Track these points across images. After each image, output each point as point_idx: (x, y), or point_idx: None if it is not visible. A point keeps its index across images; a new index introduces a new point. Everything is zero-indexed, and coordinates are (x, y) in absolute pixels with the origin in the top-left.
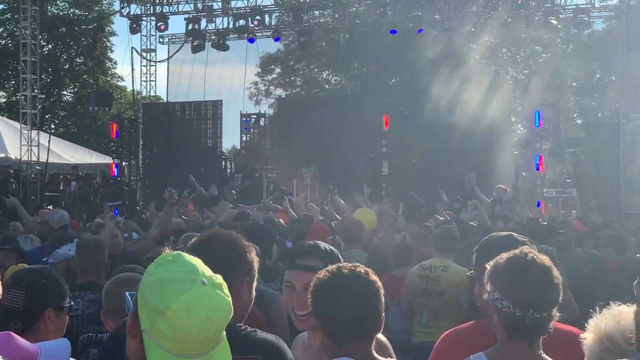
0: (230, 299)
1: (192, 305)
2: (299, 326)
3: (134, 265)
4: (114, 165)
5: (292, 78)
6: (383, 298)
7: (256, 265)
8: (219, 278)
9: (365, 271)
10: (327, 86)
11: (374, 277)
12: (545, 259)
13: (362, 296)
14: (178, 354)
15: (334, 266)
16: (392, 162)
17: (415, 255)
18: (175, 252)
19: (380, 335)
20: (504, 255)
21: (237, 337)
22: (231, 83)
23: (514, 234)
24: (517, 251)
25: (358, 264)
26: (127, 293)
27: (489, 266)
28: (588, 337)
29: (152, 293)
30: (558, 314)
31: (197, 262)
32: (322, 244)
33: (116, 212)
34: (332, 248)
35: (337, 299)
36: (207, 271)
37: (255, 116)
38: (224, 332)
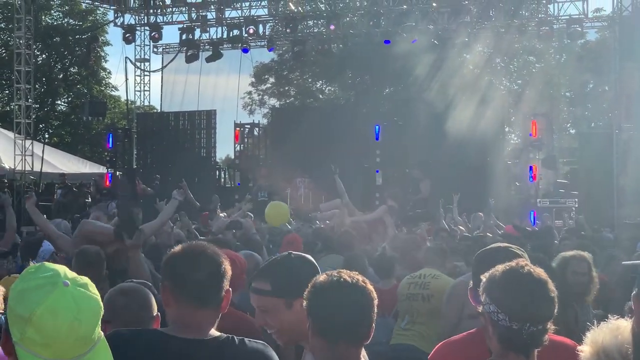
0: (98, 297)
1: (56, 306)
2: (277, 341)
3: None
4: (107, 175)
5: (286, 88)
6: (376, 309)
7: (229, 275)
8: (83, 278)
9: (363, 280)
10: (320, 96)
11: (371, 288)
12: (540, 272)
13: (358, 302)
14: (54, 359)
15: (334, 271)
16: (386, 172)
17: (396, 266)
18: (39, 263)
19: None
20: (499, 268)
21: (226, 347)
22: (225, 93)
23: (510, 245)
24: (512, 263)
25: (357, 273)
26: (1, 313)
27: (484, 278)
28: (585, 351)
29: (17, 303)
30: (553, 327)
31: (60, 267)
32: (278, 263)
33: None
34: (293, 266)
35: (335, 301)
36: (70, 273)
37: (249, 126)
38: (100, 333)
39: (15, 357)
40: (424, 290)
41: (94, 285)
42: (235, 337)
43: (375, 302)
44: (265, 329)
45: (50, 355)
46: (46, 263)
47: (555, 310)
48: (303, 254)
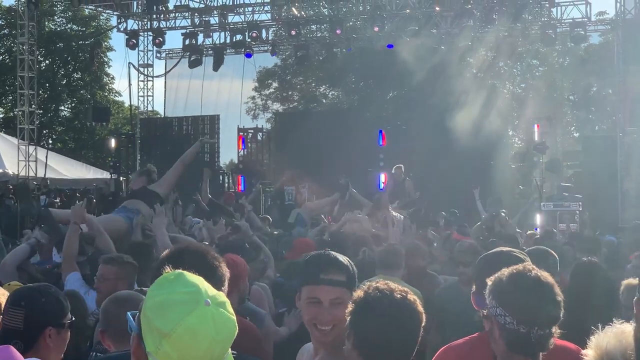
0: (234, 317)
1: (197, 326)
2: (319, 339)
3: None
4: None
5: (289, 92)
6: (422, 330)
7: (227, 278)
8: (222, 296)
9: (414, 299)
10: (324, 100)
11: (420, 308)
12: (547, 276)
13: (407, 325)
14: None
15: (384, 286)
16: (389, 176)
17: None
18: (177, 271)
19: None
20: (506, 272)
21: None
22: (228, 98)
23: (513, 250)
24: (519, 267)
25: (408, 290)
26: (129, 313)
27: (490, 281)
28: (589, 355)
29: (156, 316)
30: (559, 330)
31: (199, 281)
32: (340, 257)
33: None
34: (350, 261)
35: (385, 323)
36: (210, 290)
37: (252, 131)
38: (230, 351)
39: None
40: None
41: (230, 304)
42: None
43: (423, 323)
44: (318, 327)
45: None
46: (185, 273)
47: (561, 313)
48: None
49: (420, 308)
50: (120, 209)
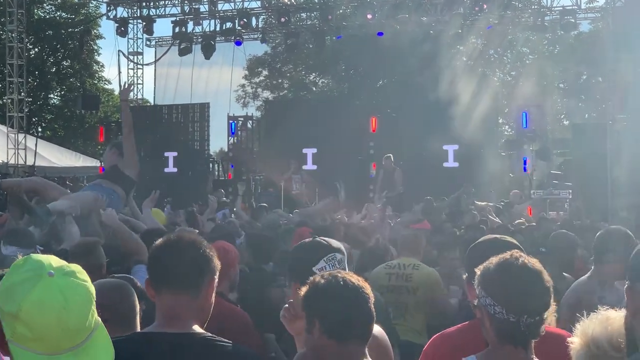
0: (87, 283)
1: (42, 299)
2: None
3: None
4: (101, 169)
5: (279, 80)
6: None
7: (218, 268)
8: (70, 266)
9: (358, 279)
10: (314, 88)
11: (366, 285)
12: (535, 262)
13: (362, 302)
14: (49, 353)
15: (327, 273)
16: (379, 164)
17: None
18: (26, 256)
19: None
20: (494, 260)
21: (211, 349)
22: (218, 85)
23: (504, 236)
24: (507, 255)
25: (349, 272)
26: None
27: (479, 270)
28: (575, 342)
29: (4, 300)
30: (549, 318)
31: (46, 258)
32: (331, 241)
33: None
34: (339, 244)
35: (343, 302)
36: (57, 262)
37: (242, 119)
38: (97, 320)
39: (10, 354)
40: (407, 283)
41: (83, 272)
42: (220, 338)
43: (372, 299)
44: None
45: (44, 349)
46: (33, 255)
47: (551, 300)
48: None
49: (368, 289)
50: (95, 186)
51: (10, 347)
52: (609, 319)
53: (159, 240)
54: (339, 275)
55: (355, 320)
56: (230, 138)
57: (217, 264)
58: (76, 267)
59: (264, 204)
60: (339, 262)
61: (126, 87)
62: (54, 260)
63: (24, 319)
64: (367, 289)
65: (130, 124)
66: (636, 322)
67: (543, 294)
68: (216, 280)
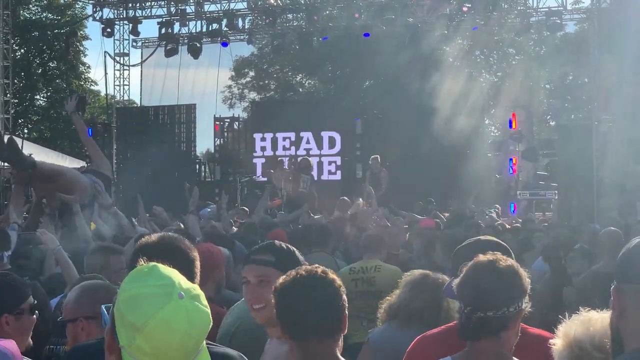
0: (208, 310)
1: (170, 320)
2: (257, 318)
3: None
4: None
5: (266, 81)
6: (345, 297)
7: (199, 267)
8: (196, 289)
9: (323, 271)
10: (300, 89)
11: (333, 276)
12: (507, 263)
13: (320, 296)
14: None
15: (293, 270)
16: (365, 165)
17: None
18: (151, 264)
19: None
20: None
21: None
22: (205, 87)
23: (491, 238)
24: (481, 256)
25: (317, 265)
26: (103, 307)
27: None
28: (557, 343)
29: (129, 309)
30: (523, 313)
31: (173, 273)
32: (278, 242)
33: None
34: (289, 246)
35: (296, 301)
36: (184, 282)
37: (229, 120)
38: (204, 342)
39: (119, 356)
40: (372, 287)
41: (204, 296)
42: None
43: (342, 289)
44: (252, 307)
45: None
46: (159, 265)
47: (513, 297)
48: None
49: (338, 284)
50: (85, 174)
51: (123, 354)
52: (590, 320)
53: (140, 242)
54: (300, 270)
55: (311, 316)
56: (216, 139)
57: (196, 263)
58: (200, 292)
59: (244, 207)
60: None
61: (70, 100)
62: (182, 280)
63: (148, 335)
64: (333, 281)
65: (83, 130)
66: (622, 323)
67: (499, 290)
68: (197, 280)
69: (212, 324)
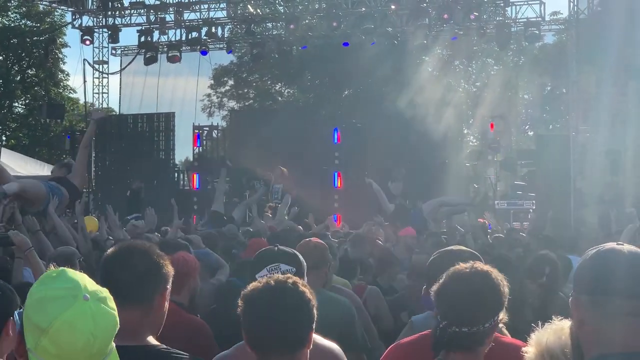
0: (115, 312)
1: (75, 321)
2: None
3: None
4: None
5: (245, 90)
6: (315, 311)
7: (171, 276)
8: (103, 292)
9: (294, 282)
10: (280, 98)
11: (304, 289)
12: (479, 273)
13: (286, 308)
14: None
15: (265, 277)
16: (345, 174)
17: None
18: (59, 268)
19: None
20: (449, 272)
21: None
22: (184, 95)
23: (463, 248)
24: (461, 264)
25: (291, 275)
26: (16, 312)
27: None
28: (529, 352)
29: (35, 312)
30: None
31: (81, 277)
32: (287, 249)
33: None
34: (296, 252)
35: (260, 310)
36: (91, 285)
37: (207, 128)
38: (113, 345)
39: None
40: None
41: (112, 299)
42: (170, 348)
43: (312, 304)
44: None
45: None
46: (67, 270)
47: (492, 315)
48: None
49: (308, 297)
50: (45, 182)
51: (30, 357)
52: (563, 329)
53: (109, 251)
54: (268, 279)
55: (274, 328)
56: (195, 148)
57: (169, 271)
58: (107, 294)
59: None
60: (282, 274)
61: (99, 111)
62: (88, 282)
63: (52, 336)
64: (303, 294)
65: (91, 139)
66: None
67: (478, 306)
68: (169, 289)
69: (118, 326)
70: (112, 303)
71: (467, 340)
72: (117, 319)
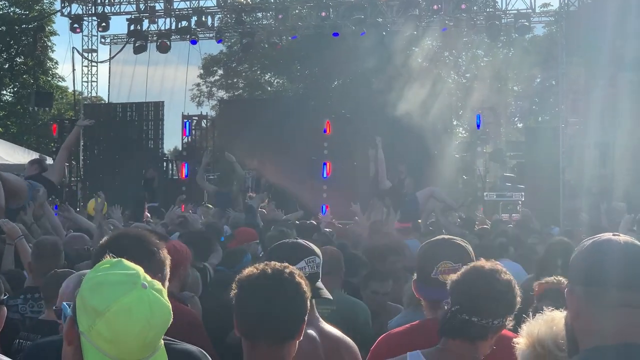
0: (170, 306)
1: (133, 306)
2: None
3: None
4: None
5: (235, 80)
6: (307, 303)
7: (168, 263)
8: (159, 284)
9: (290, 272)
10: (269, 88)
11: (300, 280)
12: (502, 273)
13: (279, 298)
14: (115, 358)
15: (262, 263)
16: (334, 165)
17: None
18: (117, 258)
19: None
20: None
21: None
22: (173, 84)
23: (454, 237)
24: (483, 261)
25: (287, 264)
26: (64, 303)
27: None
28: (521, 343)
29: (92, 295)
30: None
31: (139, 267)
32: (309, 244)
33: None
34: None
35: (253, 298)
36: (149, 277)
37: (197, 118)
38: (162, 342)
39: (77, 346)
40: None
41: (166, 293)
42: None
43: (306, 296)
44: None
45: (115, 354)
46: (124, 260)
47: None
48: None
49: (304, 289)
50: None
51: (82, 342)
52: (554, 320)
53: (105, 237)
54: (265, 266)
55: (266, 318)
56: (184, 137)
57: (164, 258)
58: (162, 287)
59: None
60: (317, 266)
61: (86, 120)
62: (146, 275)
63: (109, 320)
64: (298, 285)
65: (73, 143)
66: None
67: (494, 300)
68: (165, 274)
69: (172, 320)
70: (166, 297)
71: (472, 330)
72: (171, 312)
